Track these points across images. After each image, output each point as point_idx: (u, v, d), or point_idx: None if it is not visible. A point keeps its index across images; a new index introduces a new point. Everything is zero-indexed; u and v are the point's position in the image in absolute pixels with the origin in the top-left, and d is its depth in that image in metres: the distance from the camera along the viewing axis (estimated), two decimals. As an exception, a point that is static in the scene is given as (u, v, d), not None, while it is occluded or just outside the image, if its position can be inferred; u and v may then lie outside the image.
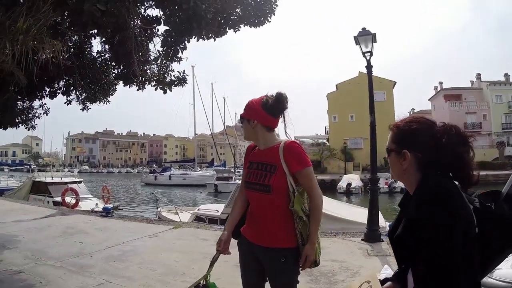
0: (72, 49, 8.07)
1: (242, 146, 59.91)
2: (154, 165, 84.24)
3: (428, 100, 63.11)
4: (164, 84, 6.75)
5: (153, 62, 6.47)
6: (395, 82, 54.84)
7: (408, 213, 1.50)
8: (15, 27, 3.86)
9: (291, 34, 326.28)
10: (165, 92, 6.79)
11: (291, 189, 2.31)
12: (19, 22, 3.79)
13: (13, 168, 40.09)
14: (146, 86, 7.27)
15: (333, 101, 55.42)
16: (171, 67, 6.65)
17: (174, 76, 6.74)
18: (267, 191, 2.32)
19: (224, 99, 59.54)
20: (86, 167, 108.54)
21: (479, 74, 56.90)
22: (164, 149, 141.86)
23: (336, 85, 56.68)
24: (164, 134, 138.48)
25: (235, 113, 60.63)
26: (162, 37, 4.65)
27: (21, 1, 4.23)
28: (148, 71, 6.91)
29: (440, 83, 59.07)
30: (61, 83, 8.66)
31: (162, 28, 4.86)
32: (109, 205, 13.00)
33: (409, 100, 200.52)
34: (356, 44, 8.25)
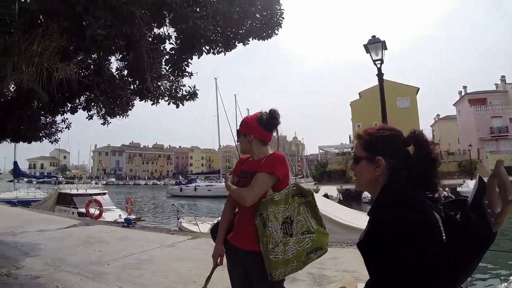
0: (92, 66, 8.49)
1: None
2: (180, 176, 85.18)
3: (453, 105, 62.01)
4: (176, 98, 7.01)
5: (165, 78, 6.76)
6: (418, 88, 54.17)
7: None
8: (31, 50, 4.16)
9: (312, 43, 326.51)
10: (177, 107, 7.03)
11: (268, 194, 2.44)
12: (34, 45, 4.09)
13: (41, 180, 41.25)
14: (160, 100, 7.57)
15: (357, 109, 55.11)
16: (182, 82, 6.90)
17: (185, 91, 6.99)
18: None
19: (248, 110, 59.91)
20: (113, 179, 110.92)
21: (503, 77, 55.66)
22: (190, 160, 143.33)
23: (359, 93, 56.37)
24: (190, 146, 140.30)
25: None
26: (168, 55, 4.90)
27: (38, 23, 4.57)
28: (162, 86, 7.20)
29: (464, 87, 58.06)
30: (82, 98, 9.05)
31: (168, 46, 5.13)
32: (131, 216, 13.36)
33: (433, 106, 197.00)
34: (367, 52, 8.35)
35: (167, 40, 4.86)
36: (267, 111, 2.61)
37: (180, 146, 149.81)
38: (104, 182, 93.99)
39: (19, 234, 9.05)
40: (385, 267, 1.32)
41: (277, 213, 2.37)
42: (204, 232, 10.63)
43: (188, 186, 54.49)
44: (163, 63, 4.98)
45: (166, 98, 7.23)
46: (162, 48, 5.03)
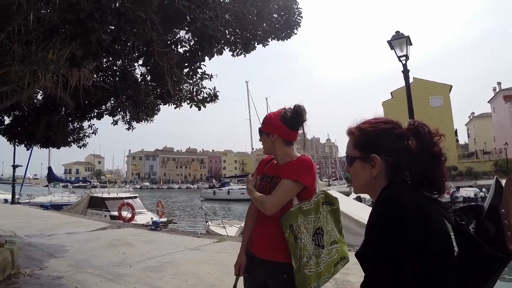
0: (117, 73, 8.69)
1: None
2: (213, 180, 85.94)
3: (488, 102, 59.95)
4: (198, 101, 7.05)
5: (186, 81, 6.81)
6: (451, 86, 52.70)
7: None
8: (47, 58, 4.27)
9: (347, 43, 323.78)
10: (199, 109, 7.06)
11: (293, 203, 2.23)
12: (50, 54, 4.19)
13: (77, 185, 42.57)
14: (182, 104, 7.64)
15: (389, 109, 53.94)
16: (202, 85, 6.94)
17: (206, 93, 7.02)
18: None
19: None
20: (147, 184, 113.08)
21: (540, 71, 53.25)
22: (223, 164, 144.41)
23: (391, 93, 55.37)
24: (223, 150, 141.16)
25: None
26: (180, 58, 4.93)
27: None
28: (183, 90, 7.26)
29: (499, 83, 55.93)
30: (108, 104, 9.27)
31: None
32: (158, 219, 13.57)
33: (467, 104, 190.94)
34: (391, 49, 8.16)
35: (179, 44, 4.90)
36: (291, 107, 2.39)
37: (213, 150, 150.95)
38: (138, 186, 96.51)
39: (47, 236, 9.32)
40: (378, 281, 1.16)
41: (307, 223, 2.19)
42: (230, 236, 10.65)
43: (221, 189, 55.04)
44: (175, 66, 4.96)
45: (188, 101, 7.30)
46: (176, 51, 5.04)
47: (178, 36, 4.95)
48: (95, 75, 8.66)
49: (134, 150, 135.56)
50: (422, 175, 1.25)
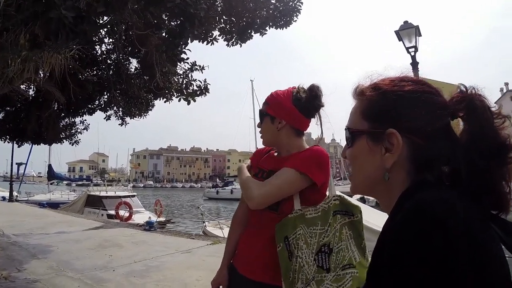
0: (112, 66, 8.37)
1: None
2: (217, 179, 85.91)
3: (494, 103, 59.35)
4: (188, 94, 6.68)
5: (175, 73, 6.45)
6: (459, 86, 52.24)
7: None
8: (19, 45, 3.88)
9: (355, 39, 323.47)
10: (188, 103, 6.71)
11: (294, 207, 1.68)
12: (21, 39, 3.80)
13: (80, 183, 42.45)
14: (172, 98, 7.27)
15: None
16: (192, 77, 6.57)
17: (196, 86, 6.65)
18: (274, 208, 1.72)
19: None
20: (151, 182, 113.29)
21: (547, 72, 52.75)
22: (228, 163, 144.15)
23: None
24: (227, 149, 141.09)
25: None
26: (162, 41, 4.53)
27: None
28: (173, 82, 6.89)
29: (506, 84, 55.12)
30: (101, 100, 8.97)
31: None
32: (156, 219, 13.24)
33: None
34: (399, 40, 7.70)
35: (161, 27, 4.50)
36: (304, 87, 1.81)
37: (217, 149, 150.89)
38: (142, 185, 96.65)
39: (35, 235, 8.95)
40: None
41: (309, 237, 1.62)
42: (226, 237, 10.26)
43: (225, 188, 54.92)
44: (154, 50, 4.55)
45: (178, 95, 6.94)
46: (157, 35, 4.63)
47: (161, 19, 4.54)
48: (87, 69, 8.39)
49: (138, 149, 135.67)
50: (474, 177, 0.71)
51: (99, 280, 5.32)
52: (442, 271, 0.59)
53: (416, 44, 7.49)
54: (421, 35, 7.57)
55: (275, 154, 1.91)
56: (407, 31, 7.52)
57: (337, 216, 1.67)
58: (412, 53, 7.55)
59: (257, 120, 1.92)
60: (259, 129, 1.91)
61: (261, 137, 1.89)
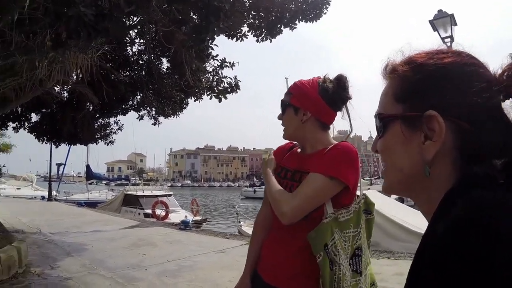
0: (144, 67, 8.46)
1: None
2: (254, 178, 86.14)
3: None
4: (219, 92, 6.61)
5: (204, 70, 6.40)
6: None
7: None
8: (46, 45, 3.89)
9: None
10: (220, 101, 6.63)
11: (327, 211, 1.52)
12: (47, 40, 3.81)
13: (119, 182, 43.39)
14: (202, 96, 7.23)
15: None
16: (221, 74, 6.49)
17: (227, 83, 6.56)
18: None
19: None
20: (188, 182, 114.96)
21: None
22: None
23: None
24: (264, 148, 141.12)
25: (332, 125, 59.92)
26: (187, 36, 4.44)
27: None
28: (203, 80, 6.85)
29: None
30: (134, 100, 9.09)
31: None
32: (192, 218, 13.29)
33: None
34: (434, 31, 7.33)
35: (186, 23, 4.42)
36: (331, 78, 1.66)
37: (254, 148, 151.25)
38: (180, 185, 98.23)
39: (71, 234, 9.13)
40: None
41: (343, 241, 1.50)
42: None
43: (262, 187, 54.85)
44: (181, 46, 4.46)
45: (209, 93, 6.88)
46: (183, 31, 4.54)
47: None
48: (120, 70, 8.50)
49: (175, 149, 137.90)
50: None
51: (131, 279, 5.32)
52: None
53: (452, 33, 7.09)
54: (456, 24, 7.16)
55: (298, 150, 1.75)
56: (442, 20, 7.12)
57: (362, 216, 1.59)
58: (448, 43, 7.13)
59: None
60: (280, 121, 1.73)
61: (283, 130, 1.72)
